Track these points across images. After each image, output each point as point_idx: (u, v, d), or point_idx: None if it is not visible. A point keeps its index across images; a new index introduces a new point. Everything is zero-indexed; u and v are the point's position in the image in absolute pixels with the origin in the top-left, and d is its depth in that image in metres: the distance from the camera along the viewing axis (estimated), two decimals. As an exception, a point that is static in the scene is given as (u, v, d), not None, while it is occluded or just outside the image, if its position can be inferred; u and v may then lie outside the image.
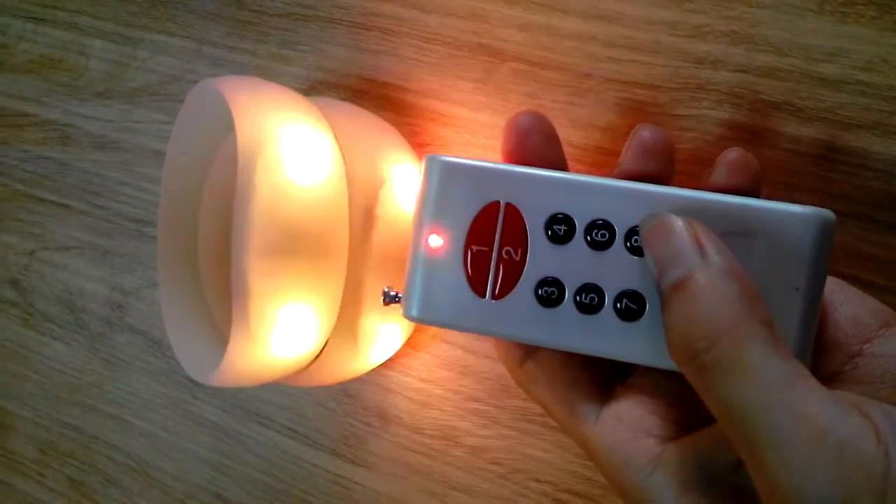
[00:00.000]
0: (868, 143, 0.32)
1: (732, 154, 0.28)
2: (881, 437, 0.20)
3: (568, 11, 0.37)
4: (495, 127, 0.39)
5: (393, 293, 0.31)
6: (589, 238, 0.27)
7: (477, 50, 0.39)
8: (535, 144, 0.29)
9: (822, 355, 0.27)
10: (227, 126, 0.37)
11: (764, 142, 0.34)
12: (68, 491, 0.53)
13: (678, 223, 0.25)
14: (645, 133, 0.29)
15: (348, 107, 0.40)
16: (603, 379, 0.30)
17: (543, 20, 0.37)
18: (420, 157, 0.40)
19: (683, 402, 0.27)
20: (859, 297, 0.28)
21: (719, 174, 0.28)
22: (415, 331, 0.41)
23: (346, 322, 0.35)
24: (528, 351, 0.30)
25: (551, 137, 0.30)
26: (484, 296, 0.28)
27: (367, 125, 0.38)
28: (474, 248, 0.28)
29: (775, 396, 0.21)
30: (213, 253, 0.42)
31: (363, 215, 0.34)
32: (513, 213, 0.28)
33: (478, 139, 0.39)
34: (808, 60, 0.33)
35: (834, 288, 0.28)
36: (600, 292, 0.27)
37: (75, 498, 0.52)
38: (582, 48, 0.37)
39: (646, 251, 0.25)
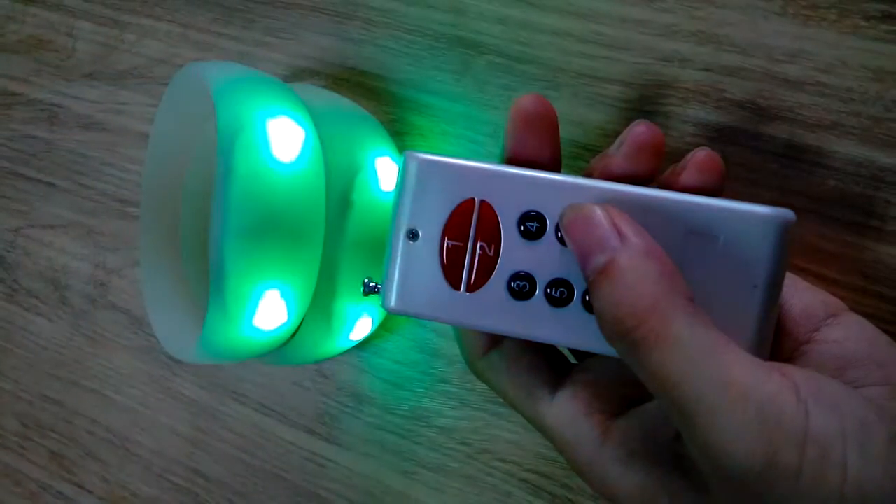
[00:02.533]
0: (826, 143, 0.34)
1: (701, 154, 0.29)
2: (800, 396, 0.22)
3: (544, 7, 0.38)
4: (471, 118, 0.40)
5: (372, 284, 0.32)
6: (559, 235, 0.28)
7: (456, 42, 0.40)
8: (538, 129, 0.30)
9: (774, 343, 0.28)
10: (209, 110, 0.38)
11: (727, 139, 0.35)
12: (48, 463, 0.54)
13: (596, 211, 0.26)
14: (641, 129, 0.29)
15: (328, 94, 0.41)
16: (560, 362, 0.31)
17: (520, 15, 0.38)
18: (398, 146, 0.41)
19: (632, 381, 0.29)
20: (810, 289, 0.29)
21: (688, 173, 0.29)
22: (388, 314, 0.42)
23: (321, 303, 0.36)
24: (493, 342, 0.31)
25: (552, 125, 0.30)
26: (459, 289, 0.29)
27: (346, 112, 0.39)
28: (450, 242, 0.29)
29: (701, 365, 0.22)
30: (194, 233, 0.43)
31: (339, 200, 0.35)
32: (487, 210, 0.29)
33: (454, 129, 0.40)
34: (771, 61, 0.34)
35: (787, 281, 0.29)
36: (569, 286, 0.28)
37: (55, 470, 0.54)
38: (557, 43, 0.38)
39: (568, 241, 0.26)
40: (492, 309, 0.29)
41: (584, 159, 0.38)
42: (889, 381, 0.25)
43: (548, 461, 0.40)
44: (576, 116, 0.38)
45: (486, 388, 0.40)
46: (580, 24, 0.37)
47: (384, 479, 0.43)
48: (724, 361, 0.22)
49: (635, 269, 0.24)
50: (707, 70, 0.35)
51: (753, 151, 0.35)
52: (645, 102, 0.36)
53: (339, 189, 0.35)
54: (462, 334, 0.32)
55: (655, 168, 0.30)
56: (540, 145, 0.30)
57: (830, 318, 0.28)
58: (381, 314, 0.41)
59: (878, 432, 0.22)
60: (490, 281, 0.29)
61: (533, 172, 0.29)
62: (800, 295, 0.29)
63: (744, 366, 0.22)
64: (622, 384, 0.29)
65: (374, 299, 0.38)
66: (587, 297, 0.28)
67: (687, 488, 0.26)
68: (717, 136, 0.35)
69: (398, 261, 0.29)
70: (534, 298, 0.28)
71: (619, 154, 0.30)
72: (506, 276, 0.29)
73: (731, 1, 0.34)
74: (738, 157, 0.35)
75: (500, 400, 0.40)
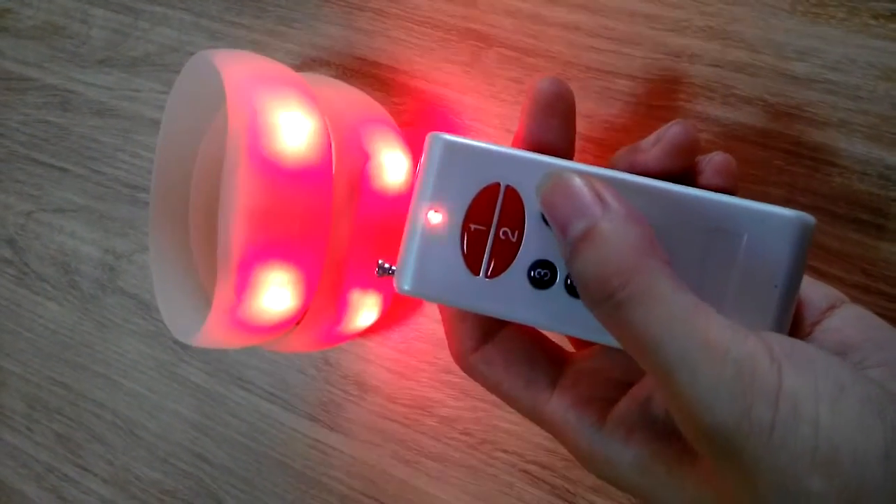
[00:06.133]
0: (833, 140, 0.34)
1: (718, 158, 0.29)
2: (774, 357, 0.22)
3: (554, 1, 0.38)
4: (480, 109, 0.40)
5: (387, 266, 0.31)
6: None
7: (465, 34, 0.40)
8: (558, 112, 0.29)
9: None
10: (220, 97, 0.38)
11: (735, 135, 0.35)
12: (55, 445, 0.54)
13: (575, 179, 0.26)
14: (678, 129, 0.29)
15: (338, 83, 0.41)
16: (556, 353, 0.31)
17: (531, 8, 0.39)
18: (406, 137, 0.41)
19: (632, 369, 0.29)
20: (812, 283, 0.29)
21: (706, 177, 0.29)
22: (393, 303, 0.42)
23: (328, 291, 0.36)
24: (487, 336, 0.31)
25: (571, 109, 0.30)
26: (478, 274, 0.28)
27: (355, 102, 0.40)
28: (472, 226, 0.28)
29: (683, 324, 0.23)
30: (203, 220, 0.43)
31: (347, 189, 0.36)
32: (512, 195, 0.28)
33: (462, 121, 0.40)
34: (780, 58, 0.34)
35: None
36: None
37: (61, 452, 0.54)
38: (566, 37, 0.38)
39: (546, 211, 0.26)
40: (510, 296, 0.28)
41: (591, 152, 0.38)
42: (888, 362, 0.26)
43: (548, 452, 0.40)
44: (584, 110, 0.38)
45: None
46: (589, 18, 0.37)
47: (386, 467, 0.44)
48: (704, 322, 0.23)
49: (618, 232, 0.24)
50: (715, 66, 0.35)
51: (760, 148, 0.35)
52: (653, 97, 0.36)
53: (348, 177, 0.36)
54: (453, 328, 0.31)
55: (687, 167, 0.30)
56: (559, 129, 0.30)
57: (829, 311, 0.28)
58: (386, 303, 0.41)
59: (852, 392, 0.22)
60: (511, 268, 0.28)
61: (562, 161, 0.28)
62: (804, 288, 0.29)
63: (722, 327, 0.23)
64: (623, 372, 0.29)
65: (379, 288, 0.38)
66: None
67: (681, 457, 0.26)
68: (724, 132, 0.35)
69: (416, 242, 0.29)
70: (553, 287, 0.28)
71: (653, 150, 0.30)
72: (527, 264, 0.28)
73: (741, -3, 0.35)
74: (744, 154, 0.35)
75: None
